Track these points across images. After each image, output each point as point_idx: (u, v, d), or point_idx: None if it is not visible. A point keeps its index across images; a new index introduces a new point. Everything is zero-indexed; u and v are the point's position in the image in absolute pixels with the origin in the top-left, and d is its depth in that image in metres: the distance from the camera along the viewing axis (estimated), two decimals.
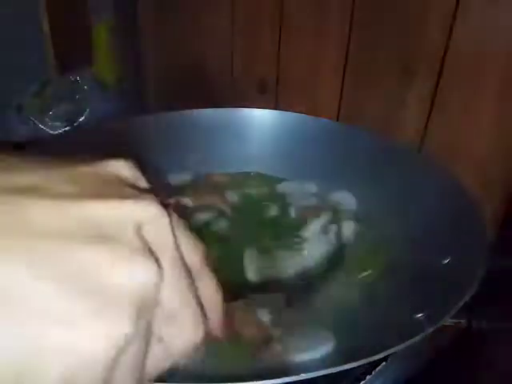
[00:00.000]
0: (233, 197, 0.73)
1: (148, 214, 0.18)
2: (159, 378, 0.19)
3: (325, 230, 0.63)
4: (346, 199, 0.71)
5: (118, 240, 0.17)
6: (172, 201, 0.21)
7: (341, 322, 0.50)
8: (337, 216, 0.66)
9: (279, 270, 0.57)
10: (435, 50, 0.65)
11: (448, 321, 0.41)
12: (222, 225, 0.66)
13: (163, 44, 1.11)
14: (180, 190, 0.73)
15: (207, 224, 0.65)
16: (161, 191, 0.20)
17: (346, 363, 0.36)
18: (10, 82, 1.19)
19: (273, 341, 0.45)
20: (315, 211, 0.66)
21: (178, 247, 0.19)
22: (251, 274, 0.56)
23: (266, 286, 0.55)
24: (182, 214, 0.21)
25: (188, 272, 0.20)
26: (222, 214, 0.68)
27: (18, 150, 0.63)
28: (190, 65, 1.06)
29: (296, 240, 0.62)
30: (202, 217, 0.66)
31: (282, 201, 0.72)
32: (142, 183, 0.21)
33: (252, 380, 0.34)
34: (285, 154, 0.79)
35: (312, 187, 0.76)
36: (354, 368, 0.37)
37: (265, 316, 0.48)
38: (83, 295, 0.15)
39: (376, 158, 0.71)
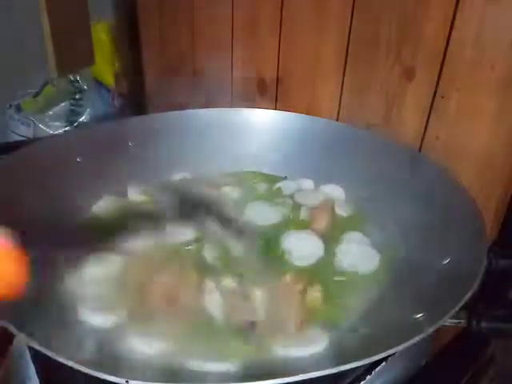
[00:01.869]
0: (233, 194, 0.73)
1: None
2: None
3: None
4: (341, 201, 0.72)
5: None
6: None
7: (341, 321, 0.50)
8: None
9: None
10: (435, 50, 0.65)
11: (448, 321, 0.41)
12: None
13: (163, 44, 1.11)
14: (180, 187, 0.73)
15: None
16: None
17: (346, 363, 0.36)
18: (10, 82, 1.20)
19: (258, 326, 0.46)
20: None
21: None
22: None
23: None
24: None
25: None
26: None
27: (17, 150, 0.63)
28: (191, 65, 1.06)
29: None
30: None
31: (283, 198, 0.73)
32: None
33: (252, 380, 0.34)
34: (284, 154, 0.79)
35: (310, 186, 0.76)
36: (354, 368, 0.37)
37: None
38: None
39: (376, 158, 0.71)
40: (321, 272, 0.57)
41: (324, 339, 0.46)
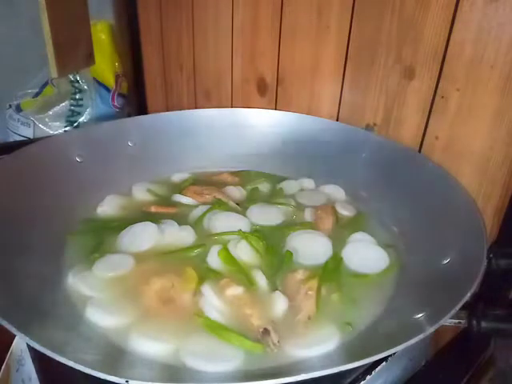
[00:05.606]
0: (235, 193, 0.73)
1: None
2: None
3: None
4: (342, 201, 0.72)
5: None
6: None
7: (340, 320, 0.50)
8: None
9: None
10: (435, 50, 0.65)
11: (448, 321, 0.41)
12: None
13: (163, 44, 1.12)
14: (180, 188, 0.73)
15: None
16: None
17: (346, 363, 0.36)
18: (10, 82, 1.20)
19: (271, 331, 0.46)
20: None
21: None
22: None
23: None
24: None
25: None
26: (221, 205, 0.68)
27: (16, 150, 0.63)
28: (191, 65, 1.06)
29: None
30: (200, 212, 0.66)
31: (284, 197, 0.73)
32: None
33: (253, 380, 0.34)
34: (285, 154, 0.79)
35: (311, 186, 0.76)
36: (354, 368, 0.37)
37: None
38: None
39: (376, 158, 0.71)
40: (331, 271, 0.56)
41: (335, 339, 0.46)
